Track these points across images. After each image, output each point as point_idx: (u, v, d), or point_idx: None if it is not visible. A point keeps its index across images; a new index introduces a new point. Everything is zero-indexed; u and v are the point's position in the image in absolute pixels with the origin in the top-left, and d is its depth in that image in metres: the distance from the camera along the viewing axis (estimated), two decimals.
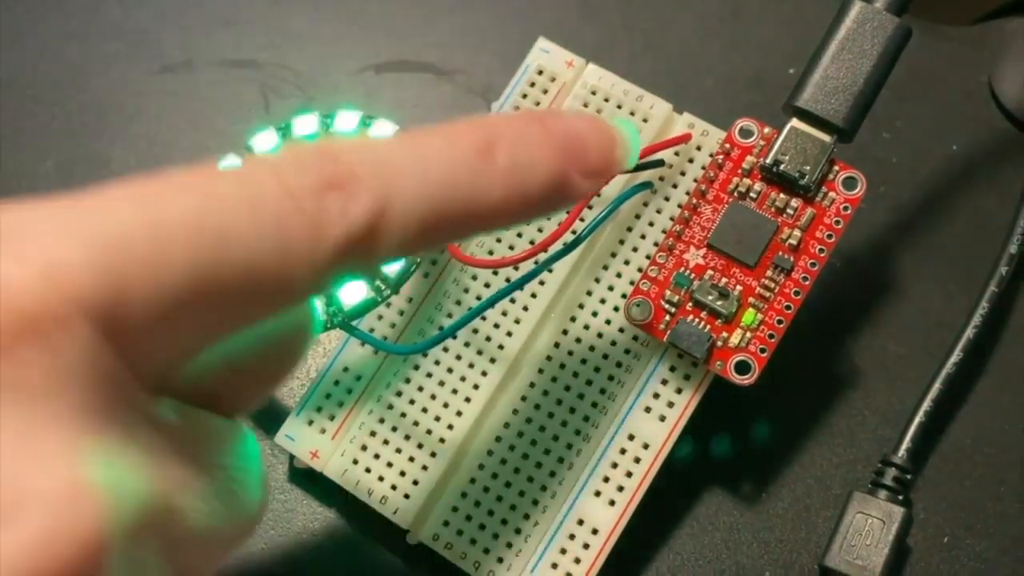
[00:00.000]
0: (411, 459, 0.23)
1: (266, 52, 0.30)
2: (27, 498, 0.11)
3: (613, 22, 0.30)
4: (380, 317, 0.24)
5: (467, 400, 0.23)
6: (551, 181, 0.17)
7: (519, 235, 0.24)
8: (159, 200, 0.14)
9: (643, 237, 0.24)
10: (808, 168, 0.22)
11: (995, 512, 0.25)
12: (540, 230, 0.24)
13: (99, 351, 0.13)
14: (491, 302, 0.23)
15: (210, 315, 0.14)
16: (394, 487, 0.23)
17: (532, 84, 0.25)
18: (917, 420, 0.24)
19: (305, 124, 0.25)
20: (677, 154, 0.24)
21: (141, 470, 0.13)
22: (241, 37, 0.30)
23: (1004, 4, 0.33)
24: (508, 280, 0.24)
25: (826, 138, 0.22)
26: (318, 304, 0.22)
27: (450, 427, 0.23)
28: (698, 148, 0.24)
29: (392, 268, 0.23)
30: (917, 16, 0.29)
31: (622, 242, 0.24)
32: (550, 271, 0.24)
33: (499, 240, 0.24)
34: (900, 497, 0.23)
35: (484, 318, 0.24)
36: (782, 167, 0.22)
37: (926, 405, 0.24)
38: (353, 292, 0.23)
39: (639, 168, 0.23)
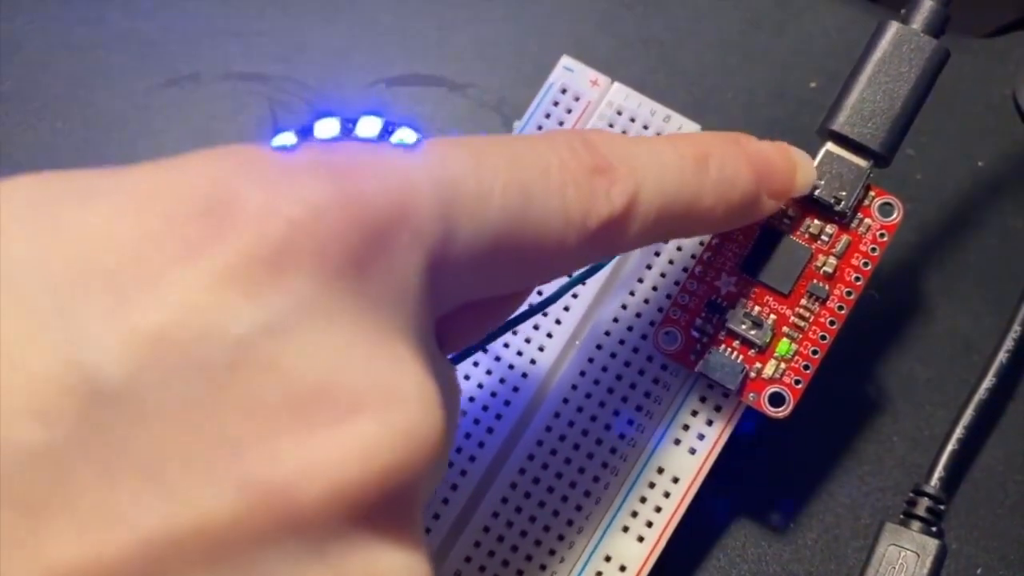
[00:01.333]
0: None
1: (275, 65, 0.29)
2: (391, 394, 0.13)
3: (629, 35, 0.30)
4: None
5: (489, 431, 0.22)
6: (748, 196, 0.19)
7: None
8: (481, 155, 0.15)
9: (671, 263, 0.23)
10: (844, 194, 0.21)
11: None
12: None
13: (428, 280, 0.14)
14: (510, 326, 0.22)
15: (503, 267, 0.15)
16: None
17: (556, 103, 0.24)
18: (950, 448, 0.24)
19: (326, 128, 0.24)
20: None
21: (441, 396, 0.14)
22: (250, 49, 0.30)
23: (1022, 16, 0.33)
24: (530, 305, 0.23)
25: (862, 163, 0.21)
26: None
27: (472, 459, 0.22)
28: None
29: None
30: None
31: (649, 267, 0.23)
32: (575, 296, 0.23)
33: None
34: (934, 528, 0.23)
35: (507, 345, 0.23)
36: (817, 192, 0.21)
37: (958, 432, 0.24)
38: None
39: None
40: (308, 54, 0.29)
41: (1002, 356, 0.24)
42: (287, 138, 0.24)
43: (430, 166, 0.14)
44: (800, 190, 0.21)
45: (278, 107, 0.29)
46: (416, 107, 0.29)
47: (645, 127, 0.24)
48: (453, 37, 0.30)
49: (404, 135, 0.23)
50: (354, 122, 0.24)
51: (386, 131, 0.23)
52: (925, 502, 0.23)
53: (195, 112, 0.29)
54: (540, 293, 0.23)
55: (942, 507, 0.23)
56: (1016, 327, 0.25)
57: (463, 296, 0.16)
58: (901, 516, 0.23)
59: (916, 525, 0.23)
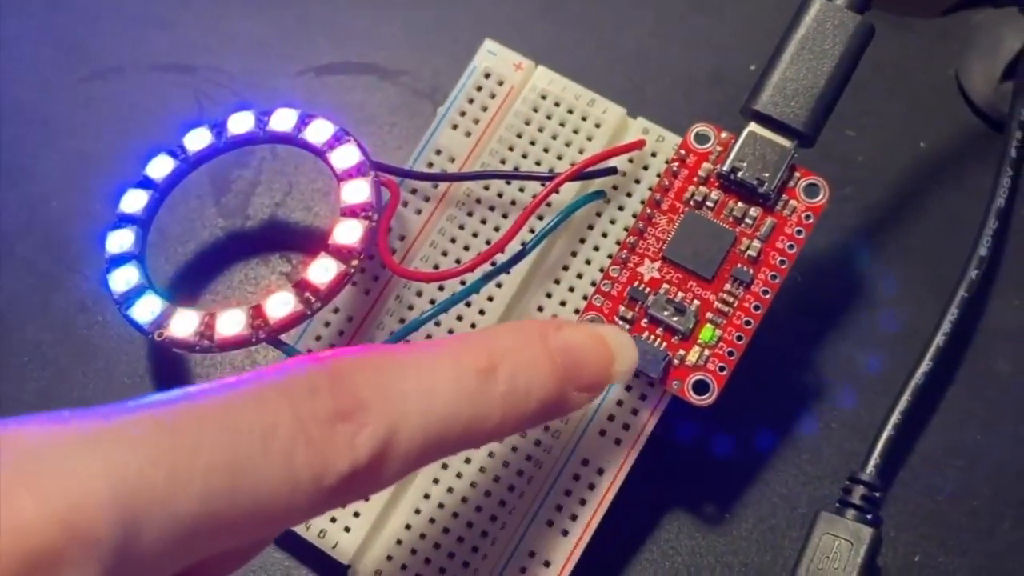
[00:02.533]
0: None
1: (201, 56, 0.29)
2: None
3: (566, 21, 0.29)
4: (319, 338, 0.23)
5: None
6: (548, 401, 0.17)
7: (466, 248, 0.23)
8: (179, 434, 0.13)
9: (596, 249, 0.22)
10: (767, 175, 0.21)
11: (968, 528, 0.24)
12: (488, 242, 0.23)
13: None
14: (431, 316, 0.21)
15: (211, 541, 0.14)
16: (333, 519, 0.21)
17: (479, 88, 0.24)
18: (886, 434, 0.23)
19: (240, 122, 0.24)
20: (631, 161, 0.23)
21: None
22: (175, 40, 0.29)
23: None
24: (453, 294, 0.23)
25: (786, 143, 0.21)
26: (242, 316, 0.21)
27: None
28: (653, 155, 0.23)
29: (323, 278, 0.21)
30: (882, 9, 0.27)
31: (575, 254, 0.23)
32: (499, 285, 0.22)
33: (445, 254, 0.23)
34: (869, 516, 0.22)
35: (429, 336, 0.22)
36: (740, 174, 0.21)
37: (895, 418, 0.23)
38: (279, 304, 0.21)
39: (590, 176, 0.22)
40: (235, 44, 0.29)
41: (939, 339, 0.24)
42: (201, 135, 0.23)
43: (108, 467, 0.13)
44: (621, 379, 0.19)
45: (204, 99, 0.28)
46: (346, 96, 0.28)
47: (570, 111, 0.23)
48: (383, 25, 0.29)
49: (320, 126, 0.23)
50: (269, 114, 0.23)
51: (302, 122, 0.23)
52: (860, 490, 0.23)
53: (119, 106, 0.28)
54: (464, 283, 0.22)
55: (877, 495, 0.23)
56: (953, 310, 0.24)
57: (180, 566, 0.14)
58: (836, 504, 0.23)
59: (851, 513, 0.22)
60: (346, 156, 0.22)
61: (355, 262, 0.21)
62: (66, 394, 0.25)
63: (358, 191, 0.22)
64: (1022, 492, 0.24)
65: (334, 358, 0.16)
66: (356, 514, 0.21)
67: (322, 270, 0.21)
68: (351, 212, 0.21)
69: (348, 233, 0.21)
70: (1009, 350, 0.25)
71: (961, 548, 0.23)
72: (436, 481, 0.21)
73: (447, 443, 0.16)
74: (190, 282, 0.26)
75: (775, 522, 0.24)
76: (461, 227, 0.23)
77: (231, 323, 0.21)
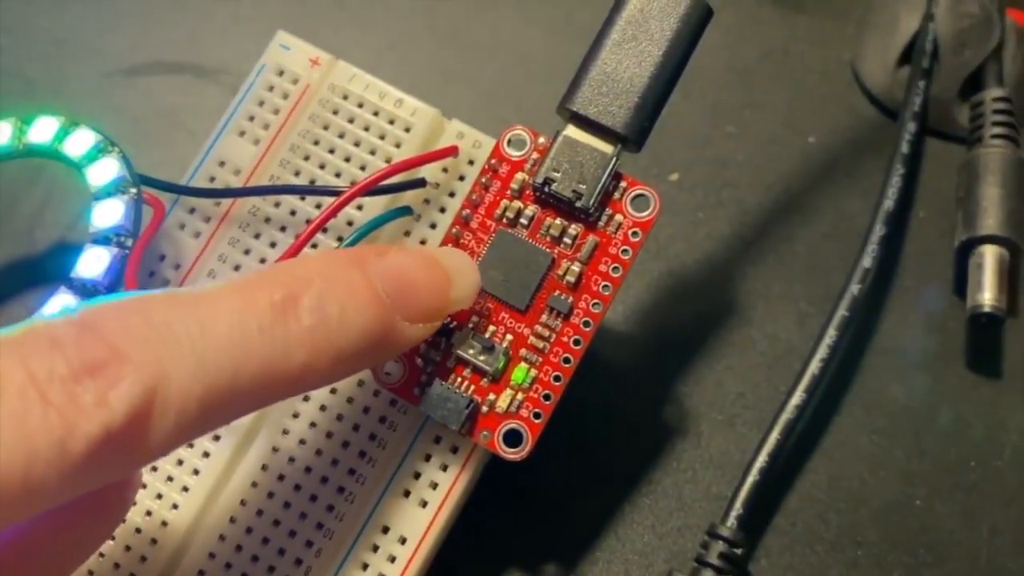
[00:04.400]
0: (127, 548, 0.18)
1: None
2: None
3: (366, 8, 0.26)
4: None
5: (185, 490, 0.19)
6: (370, 332, 0.15)
7: (262, 260, 0.19)
8: None
9: None
10: (584, 187, 0.18)
11: None
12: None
13: None
14: None
15: None
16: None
17: (270, 88, 0.20)
18: (750, 480, 0.20)
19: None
20: (445, 170, 0.19)
21: None
22: None
23: None
24: None
25: (606, 148, 0.18)
26: None
27: (175, 506, 0.18)
28: (470, 163, 0.20)
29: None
30: None
31: None
32: None
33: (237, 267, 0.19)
34: None
35: None
36: (555, 186, 0.18)
37: (761, 460, 0.20)
38: None
39: (396, 189, 0.19)
40: (39, 44, 0.25)
41: (815, 366, 0.21)
42: None
43: None
44: (459, 305, 0.17)
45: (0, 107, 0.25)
46: (160, 98, 0.25)
47: (375, 113, 0.20)
48: (197, 21, 0.26)
49: (81, 137, 0.19)
50: (29, 123, 0.20)
51: (64, 132, 0.19)
52: (719, 546, 0.19)
53: None
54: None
55: (738, 551, 0.19)
56: (831, 331, 0.21)
57: None
58: (693, 564, 0.20)
59: (708, 574, 0.19)
60: (104, 170, 0.19)
61: None
62: None
63: (110, 211, 0.18)
64: (914, 537, 0.21)
65: (87, 307, 0.13)
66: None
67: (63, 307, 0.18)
68: (102, 238, 0.18)
69: (93, 263, 0.18)
70: (902, 373, 0.22)
71: None
72: (212, 556, 0.18)
73: (240, 392, 0.14)
74: None
75: None
76: (246, 252, 0.20)
77: None
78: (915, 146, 0.23)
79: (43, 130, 0.20)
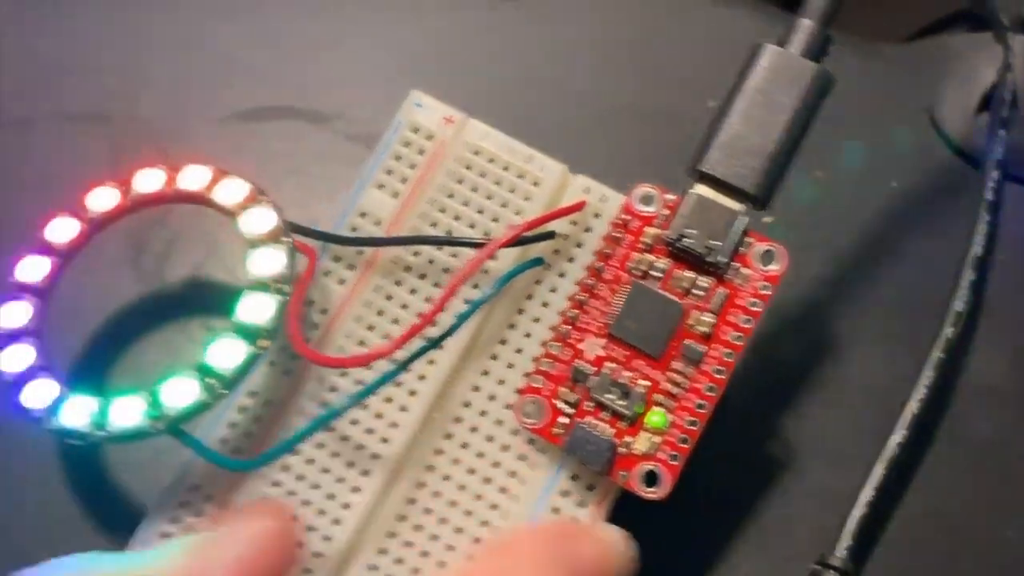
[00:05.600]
0: None
1: (115, 103, 0.26)
2: None
3: (493, 66, 0.27)
4: (233, 425, 0.21)
5: (336, 523, 0.20)
6: None
7: (395, 321, 0.21)
8: None
9: (536, 321, 0.20)
10: (717, 243, 0.19)
11: None
12: (419, 316, 0.21)
13: None
14: (357, 400, 0.19)
15: None
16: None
17: (406, 144, 0.22)
18: (858, 512, 0.21)
19: (148, 180, 0.22)
20: (574, 223, 0.21)
21: None
22: (87, 86, 0.27)
23: (943, 17, 0.30)
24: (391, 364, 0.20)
25: (736, 206, 0.19)
26: (140, 404, 0.19)
27: (319, 555, 0.20)
28: (596, 215, 0.21)
29: (228, 362, 0.19)
30: (846, 32, 0.26)
31: (512, 327, 0.21)
32: (431, 362, 0.20)
33: (371, 328, 0.21)
34: None
35: (355, 422, 0.20)
36: (687, 241, 0.19)
37: (867, 494, 0.21)
38: (180, 391, 0.19)
39: (527, 241, 0.20)
40: (153, 90, 0.27)
41: (914, 406, 0.22)
42: (106, 194, 0.21)
43: None
44: None
45: (120, 150, 0.26)
46: (275, 143, 0.26)
47: (506, 168, 0.21)
48: (314, 67, 0.27)
49: (232, 186, 0.21)
50: (179, 171, 0.21)
51: (214, 181, 0.21)
52: None
53: (28, 159, 0.26)
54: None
55: None
56: (928, 372, 0.22)
57: None
58: None
59: None
60: (259, 220, 0.20)
61: (264, 343, 0.19)
62: None
63: (270, 260, 0.20)
64: (1008, 570, 0.22)
65: None
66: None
67: (227, 352, 0.19)
68: (261, 285, 0.19)
69: (256, 310, 0.19)
70: (991, 410, 0.24)
71: None
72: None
73: None
74: (96, 360, 0.23)
75: None
76: (388, 297, 0.21)
77: (127, 412, 0.19)
78: (998, 193, 0.25)
79: (193, 178, 0.21)
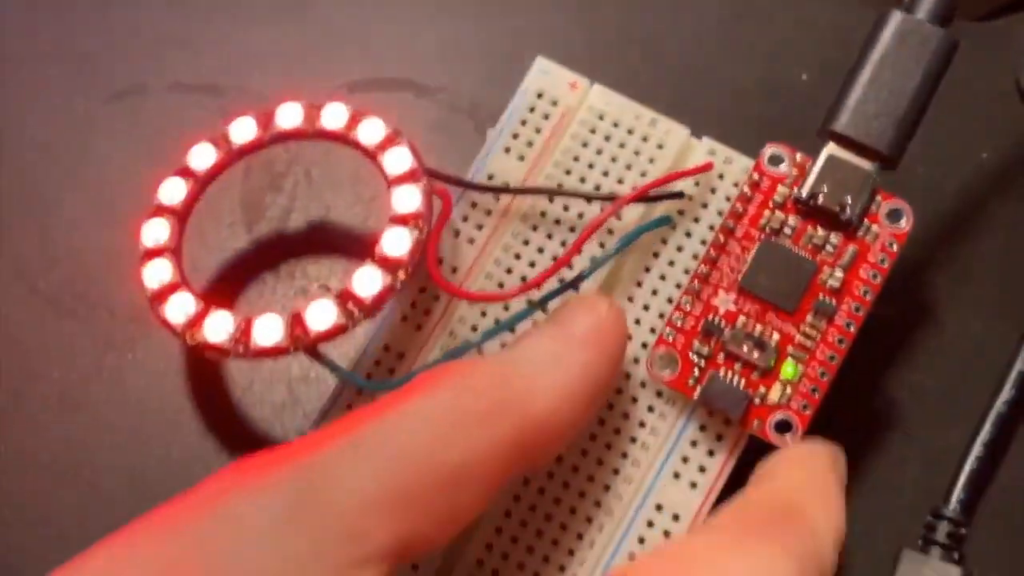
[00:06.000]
0: None
1: (226, 75, 0.27)
2: None
3: (607, 30, 0.28)
4: (378, 363, 0.21)
5: None
6: None
7: (532, 264, 0.21)
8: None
9: (663, 278, 0.21)
10: (849, 200, 0.20)
11: None
12: (554, 258, 0.21)
13: None
14: (509, 324, 0.20)
15: None
16: None
17: (532, 109, 0.22)
18: (968, 467, 0.22)
19: (289, 115, 0.23)
20: (697, 184, 0.21)
21: None
22: (198, 59, 0.27)
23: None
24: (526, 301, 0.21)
25: (867, 166, 0.20)
26: (280, 324, 0.19)
27: None
28: (720, 176, 0.22)
29: (367, 289, 0.20)
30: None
31: (639, 284, 0.21)
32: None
33: (509, 271, 0.21)
34: (955, 554, 0.21)
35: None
36: (820, 200, 0.20)
37: (976, 450, 0.22)
38: (320, 313, 0.20)
39: (655, 199, 0.21)
40: (261, 62, 0.27)
41: (1020, 365, 0.23)
42: (247, 125, 0.22)
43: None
44: None
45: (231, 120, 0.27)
46: (380, 114, 0.27)
47: (630, 132, 0.22)
48: (417, 39, 0.28)
49: (373, 125, 0.22)
50: (319, 108, 0.22)
51: (353, 120, 0.22)
52: (945, 527, 0.21)
53: (141, 129, 0.27)
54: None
55: (963, 531, 0.21)
56: None
57: None
58: (920, 542, 0.22)
59: (936, 551, 0.21)
60: (399, 160, 0.21)
61: (402, 274, 0.20)
62: (98, 438, 0.24)
63: (410, 198, 0.20)
64: None
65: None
66: (414, 567, 0.20)
67: (367, 281, 0.20)
68: (401, 221, 0.20)
69: (396, 243, 0.20)
70: None
71: None
72: (499, 531, 0.20)
73: None
74: (226, 283, 0.24)
75: (854, 560, 0.22)
76: (525, 242, 0.21)
77: (268, 331, 0.20)
78: None
79: (334, 116, 0.22)
